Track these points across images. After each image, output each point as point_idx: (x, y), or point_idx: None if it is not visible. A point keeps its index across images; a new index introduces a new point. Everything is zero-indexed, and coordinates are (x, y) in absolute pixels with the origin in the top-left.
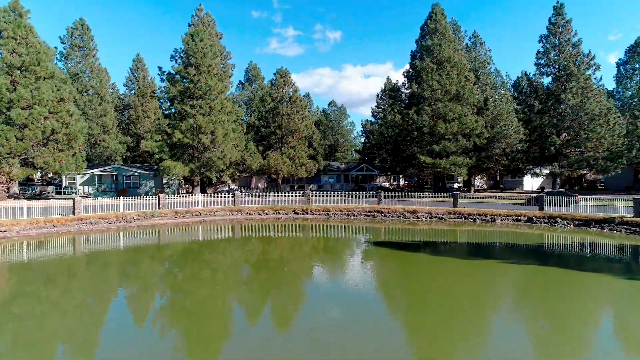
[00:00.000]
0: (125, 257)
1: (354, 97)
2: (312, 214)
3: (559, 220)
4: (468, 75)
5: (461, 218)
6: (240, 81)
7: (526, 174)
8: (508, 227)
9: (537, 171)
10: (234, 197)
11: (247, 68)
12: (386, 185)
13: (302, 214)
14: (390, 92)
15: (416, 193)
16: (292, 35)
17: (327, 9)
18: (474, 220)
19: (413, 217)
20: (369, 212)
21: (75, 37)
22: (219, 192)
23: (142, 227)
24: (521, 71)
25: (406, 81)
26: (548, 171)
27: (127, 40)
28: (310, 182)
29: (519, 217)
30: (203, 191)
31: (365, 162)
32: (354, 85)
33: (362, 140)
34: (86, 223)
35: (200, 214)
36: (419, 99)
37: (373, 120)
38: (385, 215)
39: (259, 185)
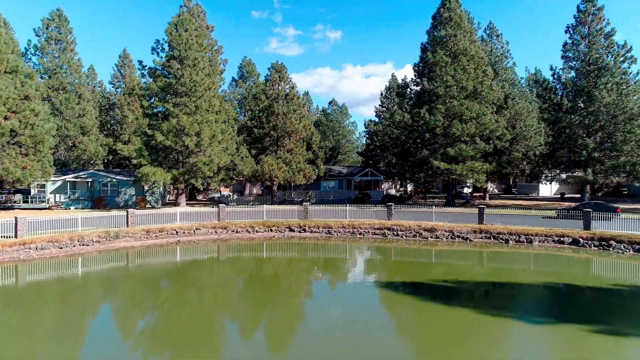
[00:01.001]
0: (49, 311)
1: (354, 97)
2: (311, 231)
3: (612, 243)
4: (486, 69)
5: (489, 238)
6: (233, 78)
7: (543, 180)
8: (549, 251)
9: (562, 177)
10: (218, 210)
11: (241, 64)
12: (393, 191)
13: (299, 231)
14: (398, 89)
15: (434, 207)
16: (292, 35)
17: (328, 9)
18: (506, 241)
19: (431, 236)
20: (378, 229)
21: (52, 29)
22: (210, 198)
23: (102, 252)
24: (550, 66)
25: (416, 76)
26: (565, 176)
27: (117, 34)
28: (309, 189)
29: (562, 238)
30: (192, 198)
31: (370, 166)
32: (354, 85)
33: (365, 141)
34: (29, 249)
35: (177, 232)
36: (431, 96)
37: (377, 120)
38: (397, 234)
39: (254, 191)
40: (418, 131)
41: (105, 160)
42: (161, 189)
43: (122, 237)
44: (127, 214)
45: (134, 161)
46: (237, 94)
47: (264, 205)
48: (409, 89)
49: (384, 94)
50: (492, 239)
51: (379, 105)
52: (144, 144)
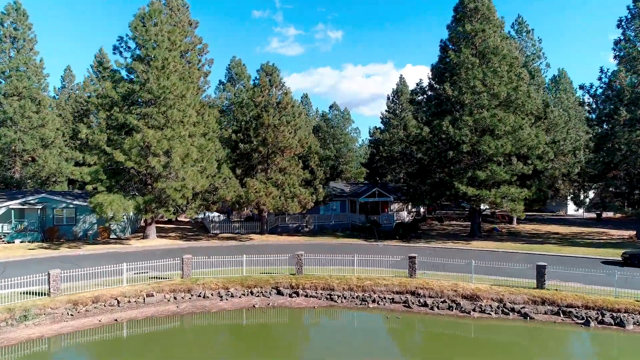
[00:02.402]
0: None
1: (354, 97)
2: (306, 294)
3: None
4: (521, 72)
5: (557, 313)
6: (220, 81)
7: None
8: None
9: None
10: (182, 264)
11: (229, 65)
12: (404, 214)
13: (290, 294)
14: (412, 94)
15: (473, 262)
16: (293, 34)
17: (329, 9)
18: (585, 322)
19: (473, 308)
20: (397, 292)
21: (7, 25)
22: (193, 219)
23: None
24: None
25: (433, 80)
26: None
27: (102, 31)
28: (306, 212)
29: None
30: (171, 219)
31: (377, 184)
32: (355, 85)
33: (369, 150)
34: None
35: (119, 302)
36: (454, 104)
37: (382, 127)
38: (425, 303)
39: (244, 210)
40: (438, 147)
41: (70, 179)
42: (131, 214)
43: (33, 318)
44: (49, 277)
45: (89, 187)
46: (223, 100)
47: (244, 256)
48: (425, 95)
49: (391, 97)
50: (560, 314)
51: (386, 110)
52: (103, 165)
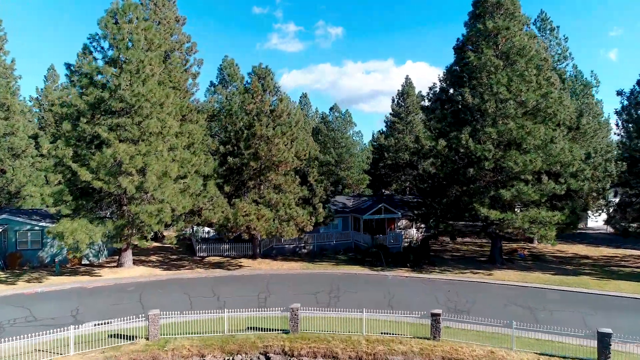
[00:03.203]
0: None
1: (354, 94)
2: None
3: None
4: (550, 76)
5: None
6: (211, 82)
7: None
8: None
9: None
10: (148, 322)
11: (221, 65)
12: (413, 232)
13: None
14: (423, 98)
15: (514, 323)
16: (293, 31)
17: (329, 6)
18: None
19: None
20: None
21: None
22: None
23: None
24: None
25: (447, 84)
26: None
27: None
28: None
29: None
30: (155, 237)
31: (383, 200)
32: (355, 81)
33: (372, 156)
34: None
35: None
36: (474, 113)
37: (386, 131)
38: None
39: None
40: (455, 163)
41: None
42: (99, 242)
43: None
44: None
45: (52, 210)
46: (214, 103)
47: (225, 312)
48: (439, 102)
49: (395, 100)
50: None
51: (390, 113)
52: (68, 184)
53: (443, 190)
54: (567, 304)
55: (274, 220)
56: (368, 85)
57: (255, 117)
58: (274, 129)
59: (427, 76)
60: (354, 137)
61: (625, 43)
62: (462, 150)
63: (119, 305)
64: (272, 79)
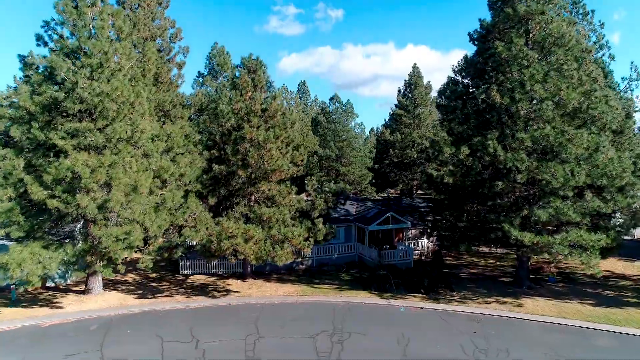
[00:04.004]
0: None
1: (354, 77)
2: None
3: None
4: (592, 70)
5: None
6: (199, 72)
7: None
8: None
9: None
10: None
11: (209, 53)
12: (424, 242)
13: None
14: (441, 96)
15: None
16: (292, 13)
17: None
18: None
19: None
20: None
21: None
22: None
23: None
24: None
25: (460, 75)
26: None
27: None
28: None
29: None
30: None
31: (391, 207)
32: (355, 64)
33: (376, 151)
34: None
35: None
36: (501, 114)
37: (391, 125)
38: None
39: None
40: (480, 174)
41: None
42: (54, 273)
43: None
44: None
45: (0, 232)
46: (201, 97)
47: None
48: (459, 99)
49: (402, 91)
50: None
51: (396, 105)
52: (20, 200)
53: (463, 205)
54: (624, 354)
55: (265, 241)
56: (368, 69)
57: (244, 118)
58: (266, 131)
59: (428, 60)
60: (355, 130)
61: (629, 26)
62: (487, 159)
63: (73, 357)
64: (264, 73)
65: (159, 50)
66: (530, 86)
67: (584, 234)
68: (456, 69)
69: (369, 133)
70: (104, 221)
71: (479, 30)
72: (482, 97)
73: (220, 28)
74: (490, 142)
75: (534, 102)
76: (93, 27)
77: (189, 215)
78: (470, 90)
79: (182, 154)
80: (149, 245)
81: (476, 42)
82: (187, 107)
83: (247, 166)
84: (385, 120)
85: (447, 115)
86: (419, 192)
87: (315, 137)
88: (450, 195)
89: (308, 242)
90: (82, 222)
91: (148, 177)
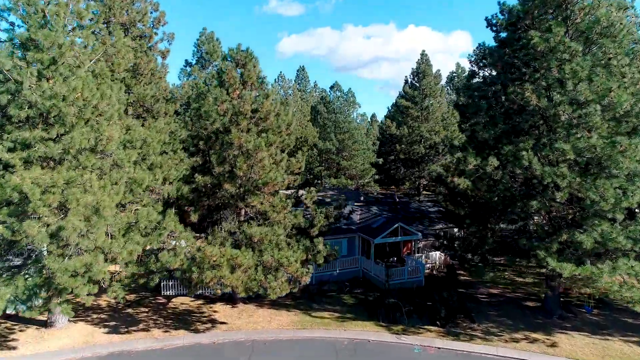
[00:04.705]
0: None
1: (354, 59)
2: None
3: None
4: None
5: None
6: (187, 61)
7: None
8: None
9: None
10: None
11: (197, 40)
12: (436, 255)
13: None
14: (460, 94)
15: None
16: None
17: None
18: None
19: None
20: None
21: None
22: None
23: None
24: None
25: (480, 66)
26: None
27: None
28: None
29: None
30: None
31: (399, 217)
32: (355, 46)
33: (380, 144)
34: None
35: None
36: (535, 118)
37: (397, 117)
38: None
39: None
40: (509, 189)
41: None
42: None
43: None
44: None
45: None
46: (188, 90)
47: None
48: (483, 99)
49: (409, 80)
50: None
51: (402, 96)
52: None
53: (487, 222)
54: None
55: (256, 268)
56: (368, 51)
57: (231, 120)
58: (257, 135)
59: (430, 41)
60: (357, 121)
61: None
62: (519, 172)
63: None
64: (255, 67)
65: (141, 37)
66: (573, 85)
67: (636, 265)
68: (472, 58)
69: (370, 119)
70: (60, 250)
71: (500, 16)
72: (511, 97)
73: (219, 8)
74: (524, 152)
75: (579, 105)
76: (46, 12)
77: (168, 235)
78: (494, 89)
79: (166, 152)
80: (118, 274)
81: (497, 29)
82: (172, 101)
83: (234, 178)
84: (388, 108)
85: (467, 117)
86: (425, 192)
87: (315, 129)
88: (472, 210)
89: (306, 269)
90: (37, 251)
91: (116, 194)
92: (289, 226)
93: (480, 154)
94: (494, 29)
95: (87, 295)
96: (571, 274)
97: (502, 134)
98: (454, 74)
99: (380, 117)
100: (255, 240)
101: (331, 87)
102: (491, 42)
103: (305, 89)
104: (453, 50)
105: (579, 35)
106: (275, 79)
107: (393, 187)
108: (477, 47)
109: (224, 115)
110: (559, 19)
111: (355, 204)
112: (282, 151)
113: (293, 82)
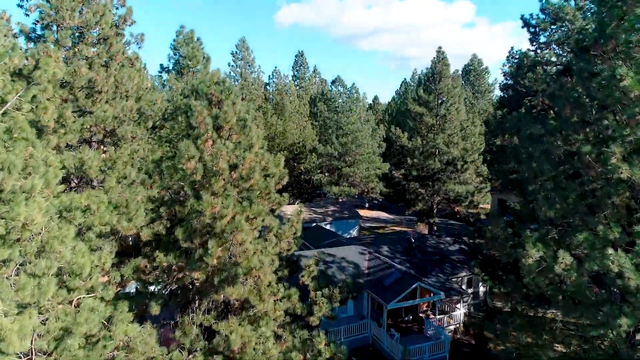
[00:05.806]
0: None
1: (354, 30)
2: None
3: None
4: None
5: None
6: (162, 67)
7: None
8: None
9: None
10: None
11: (173, 42)
12: (461, 314)
13: None
14: (505, 97)
15: None
16: None
17: None
18: None
19: None
20: None
21: None
22: None
23: None
24: None
25: (519, 86)
26: None
27: None
28: None
29: None
30: None
31: (418, 276)
32: (355, 16)
33: (389, 155)
34: None
35: None
36: (617, 188)
37: (409, 126)
38: None
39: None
40: (581, 292)
41: None
42: None
43: None
44: None
45: None
46: (161, 106)
47: None
48: (536, 110)
49: (423, 81)
50: None
51: (413, 99)
52: None
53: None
54: None
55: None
56: (369, 21)
57: (202, 182)
58: (239, 203)
59: (432, 11)
60: (362, 123)
61: None
62: (596, 268)
63: None
64: (234, 105)
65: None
66: None
67: None
68: (506, 71)
69: (373, 102)
70: None
71: (541, 16)
72: (585, 158)
73: None
74: (611, 251)
75: None
76: None
77: (120, 342)
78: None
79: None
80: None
81: (536, 30)
82: (141, 120)
83: (202, 265)
84: (395, 93)
85: (493, 131)
86: (440, 217)
87: (314, 130)
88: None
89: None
90: None
91: (42, 295)
92: (281, 316)
93: (542, 240)
94: (531, 29)
95: None
96: None
97: (573, 209)
98: (470, 67)
99: (382, 99)
100: (235, 349)
101: (332, 82)
102: (520, 42)
103: (304, 76)
104: (456, 20)
105: None
106: (269, 76)
107: (402, 203)
108: (512, 55)
109: (192, 175)
110: None
111: (363, 250)
112: (272, 211)
113: (289, 78)
